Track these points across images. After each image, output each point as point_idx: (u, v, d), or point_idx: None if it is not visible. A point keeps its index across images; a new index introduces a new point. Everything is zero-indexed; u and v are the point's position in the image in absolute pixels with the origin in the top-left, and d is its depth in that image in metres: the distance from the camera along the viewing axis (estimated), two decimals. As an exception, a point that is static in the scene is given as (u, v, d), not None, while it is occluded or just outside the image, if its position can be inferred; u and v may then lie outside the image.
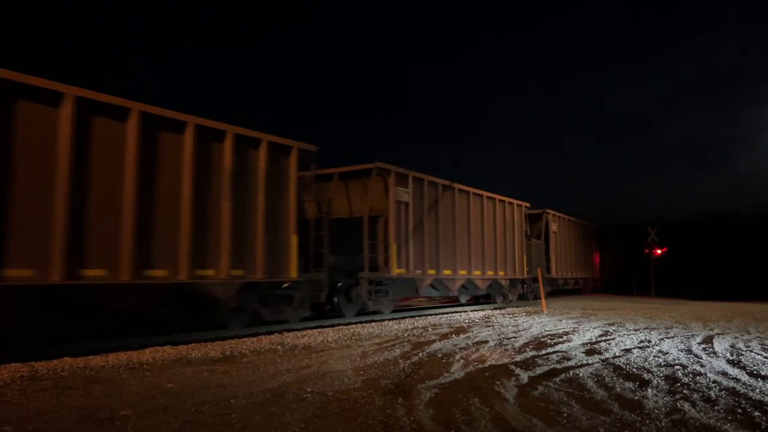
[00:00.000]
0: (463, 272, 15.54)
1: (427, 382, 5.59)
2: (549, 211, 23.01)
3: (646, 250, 30.31)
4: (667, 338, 9.33)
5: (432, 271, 14.21)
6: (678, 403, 4.84)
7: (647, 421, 4.29)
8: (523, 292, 20.46)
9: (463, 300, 18.42)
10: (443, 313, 14.68)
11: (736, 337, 9.52)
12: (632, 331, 10.30)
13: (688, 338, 9.34)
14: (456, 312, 15.23)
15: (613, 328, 10.98)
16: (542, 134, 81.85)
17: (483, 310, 16.23)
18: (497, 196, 17.81)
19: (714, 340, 9.05)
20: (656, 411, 4.59)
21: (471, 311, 15.55)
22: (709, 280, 28.75)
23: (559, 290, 24.47)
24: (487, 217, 17.00)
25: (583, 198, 64.27)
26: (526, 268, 19.39)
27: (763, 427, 4.23)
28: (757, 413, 4.56)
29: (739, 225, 31.75)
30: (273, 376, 5.90)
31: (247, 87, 71.67)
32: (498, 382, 5.57)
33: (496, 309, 16.56)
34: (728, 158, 68.19)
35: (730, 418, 4.43)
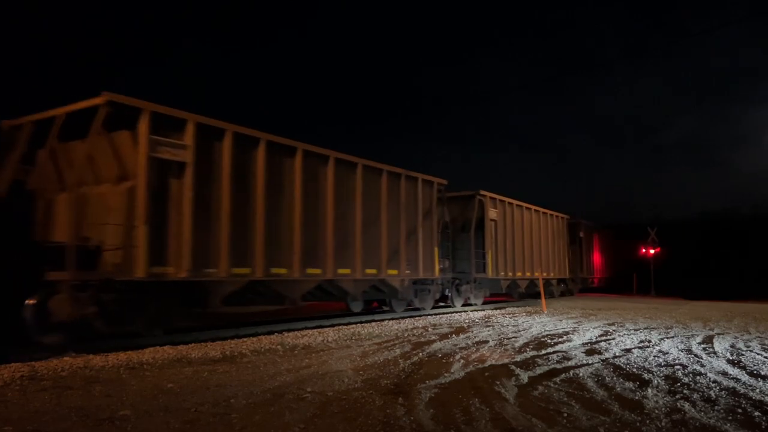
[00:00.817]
0: (314, 271, 10.96)
1: (427, 382, 5.59)
2: (485, 193, 17.45)
3: (643, 250, 30.42)
4: (667, 338, 9.33)
5: (244, 270, 9.53)
6: (678, 403, 4.84)
7: (647, 421, 4.29)
8: (449, 296, 16.76)
9: (356, 309, 14.04)
10: (443, 314, 14.70)
11: (736, 337, 9.52)
12: (632, 331, 10.30)
13: (688, 338, 9.33)
14: (456, 312, 15.27)
15: (613, 328, 10.98)
16: (543, 134, 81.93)
17: (483, 310, 16.26)
18: (385, 167, 13.00)
19: (714, 340, 9.05)
20: (656, 411, 4.59)
21: (471, 311, 15.56)
22: (709, 280, 28.81)
23: (500, 293, 19.44)
24: (363, 195, 12.31)
25: (584, 197, 64.44)
26: (438, 266, 14.87)
27: (763, 427, 4.23)
28: (757, 413, 4.56)
29: (739, 225, 31.80)
30: (273, 376, 5.90)
31: (247, 88, 71.62)
32: (498, 382, 5.57)
33: (496, 309, 16.58)
34: (728, 158, 68.37)
35: (730, 418, 4.43)
